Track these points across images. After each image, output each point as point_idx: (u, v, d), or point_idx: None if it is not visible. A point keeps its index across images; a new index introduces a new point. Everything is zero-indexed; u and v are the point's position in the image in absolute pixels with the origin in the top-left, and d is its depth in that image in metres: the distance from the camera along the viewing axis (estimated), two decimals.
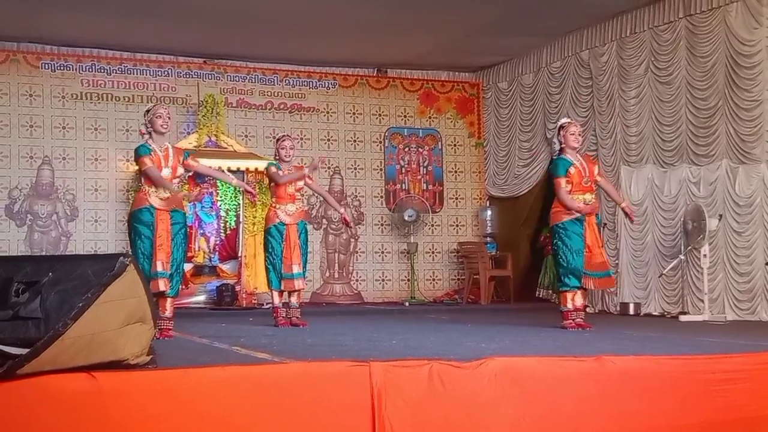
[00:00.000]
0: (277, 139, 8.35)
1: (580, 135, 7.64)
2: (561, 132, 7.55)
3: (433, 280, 14.07)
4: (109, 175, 12.49)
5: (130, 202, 12.10)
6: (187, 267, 11.40)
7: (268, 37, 12.15)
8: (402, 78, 14.13)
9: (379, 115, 13.96)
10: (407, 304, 13.01)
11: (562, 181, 7.41)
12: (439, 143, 14.27)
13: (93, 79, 12.46)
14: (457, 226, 14.25)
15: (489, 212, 13.93)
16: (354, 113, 13.83)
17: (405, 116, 14.11)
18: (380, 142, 13.96)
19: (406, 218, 13.57)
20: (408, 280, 13.73)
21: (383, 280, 13.68)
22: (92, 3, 10.70)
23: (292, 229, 8.02)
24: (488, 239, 13.74)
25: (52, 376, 3.44)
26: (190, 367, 4.07)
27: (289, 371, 4.14)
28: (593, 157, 7.85)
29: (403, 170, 14.07)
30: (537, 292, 13.57)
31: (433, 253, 14.09)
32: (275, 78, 13.44)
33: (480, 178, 14.37)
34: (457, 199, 14.30)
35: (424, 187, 14.15)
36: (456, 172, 14.33)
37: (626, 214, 7.88)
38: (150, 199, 6.85)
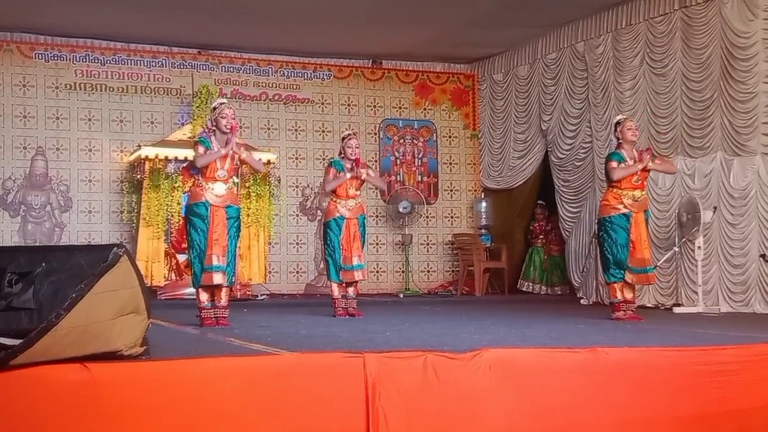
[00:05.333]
0: (343, 138, 8.47)
1: (636, 129, 7.96)
2: (618, 128, 7.88)
3: (428, 271, 14.08)
4: (103, 166, 12.46)
5: (125, 193, 12.25)
6: (181, 258, 11.39)
7: (262, 27, 12.11)
8: (397, 69, 14.10)
9: (374, 106, 13.94)
10: (402, 295, 13.01)
11: (614, 162, 7.74)
12: (434, 135, 14.26)
13: (87, 70, 12.42)
14: (451, 217, 14.25)
15: (484, 204, 13.93)
16: (349, 104, 13.80)
17: (400, 108, 14.09)
18: (375, 134, 13.94)
19: (401, 210, 13.56)
20: (403, 271, 13.73)
21: (378, 272, 13.67)
22: None
23: (352, 222, 8.30)
24: (483, 231, 13.74)
25: (46, 366, 3.43)
26: (183, 358, 4.06)
27: (283, 362, 4.14)
28: (647, 149, 8.07)
29: (398, 162, 14.06)
30: (519, 284, 13.58)
31: (427, 244, 14.09)
32: (270, 69, 13.41)
33: (475, 169, 14.36)
34: (452, 190, 14.29)
35: (419, 179, 14.14)
36: (451, 163, 14.32)
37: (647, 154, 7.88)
38: (206, 194, 6.95)
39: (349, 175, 8.25)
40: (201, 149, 7.01)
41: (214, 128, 7.13)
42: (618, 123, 7.92)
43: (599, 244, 8.06)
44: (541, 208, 13.46)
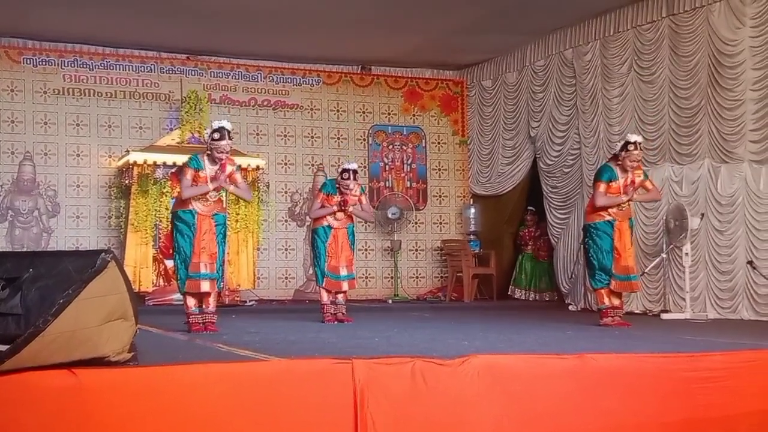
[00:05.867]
0: (342, 171, 8.31)
1: (638, 161, 7.77)
2: (623, 152, 7.65)
3: (417, 277, 14.08)
4: (91, 171, 12.42)
5: (113, 198, 12.22)
6: (170, 263, 11.35)
7: (251, 33, 12.10)
8: (386, 75, 14.11)
9: (363, 112, 13.95)
10: (390, 301, 13.01)
11: (602, 186, 7.68)
12: (423, 141, 14.28)
13: (75, 75, 12.38)
14: (440, 223, 14.26)
15: (472, 210, 13.95)
16: (338, 110, 13.81)
17: (389, 114, 14.10)
18: (364, 140, 13.95)
19: (390, 216, 13.56)
20: (391, 277, 13.73)
21: (367, 278, 13.67)
22: None
23: (341, 232, 8.31)
24: (472, 237, 13.76)
25: (33, 372, 3.41)
26: (171, 364, 4.05)
27: (271, 369, 4.13)
28: (631, 182, 7.81)
29: (387, 168, 14.07)
30: (510, 290, 13.61)
31: (416, 250, 14.09)
32: (259, 74, 13.40)
33: (464, 175, 14.38)
34: (440, 196, 14.30)
35: (408, 185, 14.15)
36: (440, 169, 14.34)
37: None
38: (192, 204, 6.96)
39: (335, 207, 8.25)
40: (189, 175, 6.96)
41: (209, 151, 7.09)
42: (626, 146, 7.67)
43: (585, 251, 8.06)
44: (532, 215, 13.48)
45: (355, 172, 8.30)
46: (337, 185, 8.32)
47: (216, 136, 7.00)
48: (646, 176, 7.97)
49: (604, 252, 7.69)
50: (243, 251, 11.96)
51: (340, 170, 8.41)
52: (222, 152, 7.00)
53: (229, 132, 7.06)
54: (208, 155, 7.07)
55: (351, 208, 8.30)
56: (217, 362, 4.16)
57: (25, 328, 3.44)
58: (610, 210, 7.71)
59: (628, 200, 7.74)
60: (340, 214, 8.32)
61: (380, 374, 4.02)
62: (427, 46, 12.88)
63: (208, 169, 7.01)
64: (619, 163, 7.73)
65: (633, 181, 7.71)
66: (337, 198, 8.24)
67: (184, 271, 6.91)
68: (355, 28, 11.92)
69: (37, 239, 12.14)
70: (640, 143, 7.78)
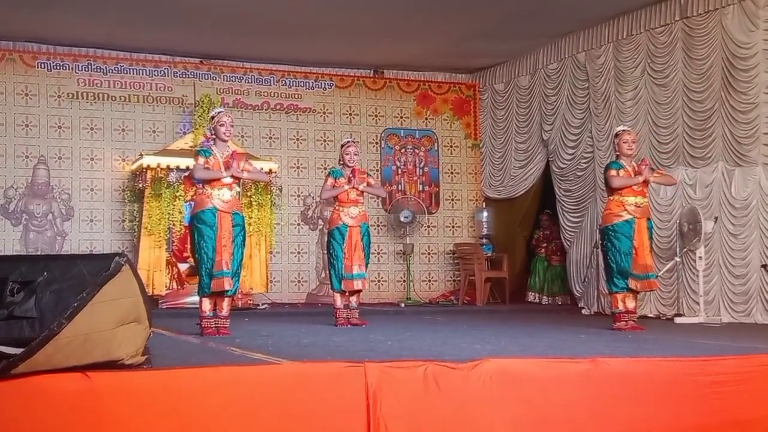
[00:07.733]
0: (342, 145, 8.50)
1: (633, 143, 7.94)
2: (615, 140, 7.93)
3: (429, 281, 14.07)
4: (105, 175, 12.47)
5: (126, 201, 12.27)
6: (183, 267, 11.39)
7: (264, 37, 12.14)
8: (399, 79, 14.12)
9: (376, 116, 13.96)
10: (403, 305, 12.99)
11: (613, 171, 7.77)
12: (436, 144, 14.27)
13: (89, 79, 12.44)
14: (453, 227, 14.25)
15: (485, 213, 13.93)
16: (350, 114, 13.82)
17: (401, 117, 14.11)
18: (377, 143, 13.96)
19: (402, 219, 13.56)
20: (404, 281, 13.72)
21: (379, 281, 13.66)
22: (89, 3, 10.69)
23: (355, 231, 8.29)
24: (484, 240, 13.73)
25: (47, 375, 3.43)
26: (184, 367, 4.07)
27: (284, 372, 4.14)
28: (642, 161, 8.02)
29: (400, 171, 14.07)
30: (527, 296, 13.60)
31: (429, 254, 14.09)
32: (272, 78, 13.43)
33: (476, 179, 14.37)
34: (453, 200, 14.30)
35: (420, 188, 14.15)
36: (452, 173, 14.33)
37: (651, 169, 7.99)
38: (213, 201, 6.98)
39: (346, 187, 8.26)
40: (201, 160, 7.09)
41: (213, 137, 7.19)
42: (616, 135, 7.96)
43: (603, 254, 8.04)
44: (548, 217, 13.42)
45: (354, 142, 8.51)
46: (341, 162, 8.40)
47: (214, 113, 7.28)
48: (653, 168, 8.12)
49: (622, 254, 7.68)
50: (256, 254, 11.96)
51: (340, 146, 8.57)
52: (224, 125, 7.15)
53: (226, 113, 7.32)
54: (213, 140, 7.22)
55: (362, 186, 8.32)
56: (230, 365, 4.18)
57: (40, 331, 3.47)
58: (628, 209, 7.70)
59: (644, 180, 7.76)
60: (354, 209, 8.31)
61: (393, 378, 4.02)
62: (439, 50, 12.89)
63: (218, 155, 7.10)
64: (618, 154, 7.87)
65: (640, 164, 7.82)
66: (345, 177, 8.27)
67: (207, 277, 6.93)
68: (367, 32, 11.94)
69: (51, 243, 12.20)
70: (627, 130, 8.03)
